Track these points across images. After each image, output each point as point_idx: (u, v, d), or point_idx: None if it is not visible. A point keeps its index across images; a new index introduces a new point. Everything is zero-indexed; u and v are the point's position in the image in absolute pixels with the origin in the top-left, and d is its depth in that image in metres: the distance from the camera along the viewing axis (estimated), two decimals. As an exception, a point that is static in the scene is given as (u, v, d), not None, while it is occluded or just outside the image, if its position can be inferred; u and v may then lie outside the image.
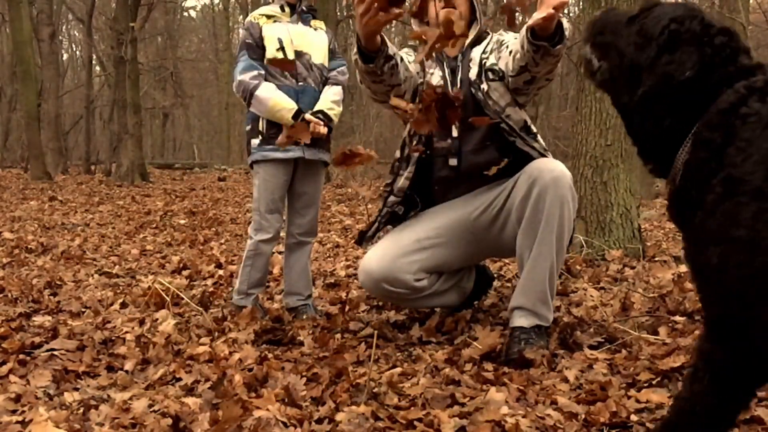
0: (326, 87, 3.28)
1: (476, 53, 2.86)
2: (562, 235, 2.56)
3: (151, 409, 2.07)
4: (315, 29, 3.33)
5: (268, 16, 3.25)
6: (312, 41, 3.28)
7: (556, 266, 2.60)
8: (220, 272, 4.46)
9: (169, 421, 1.92)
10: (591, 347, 2.52)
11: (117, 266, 4.95)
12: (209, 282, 4.22)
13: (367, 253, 2.91)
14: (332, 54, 3.37)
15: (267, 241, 3.26)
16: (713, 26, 1.42)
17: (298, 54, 3.22)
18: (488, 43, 2.88)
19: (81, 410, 2.07)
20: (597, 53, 1.58)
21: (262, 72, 3.17)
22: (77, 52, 28.97)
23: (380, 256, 2.80)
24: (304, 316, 3.21)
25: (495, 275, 3.40)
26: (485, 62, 2.82)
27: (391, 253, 2.79)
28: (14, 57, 17.50)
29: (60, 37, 23.90)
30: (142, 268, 4.91)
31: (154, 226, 7.38)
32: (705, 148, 1.33)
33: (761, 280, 1.22)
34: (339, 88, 3.31)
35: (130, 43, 13.44)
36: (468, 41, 2.89)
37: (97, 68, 21.34)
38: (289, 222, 3.38)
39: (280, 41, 3.19)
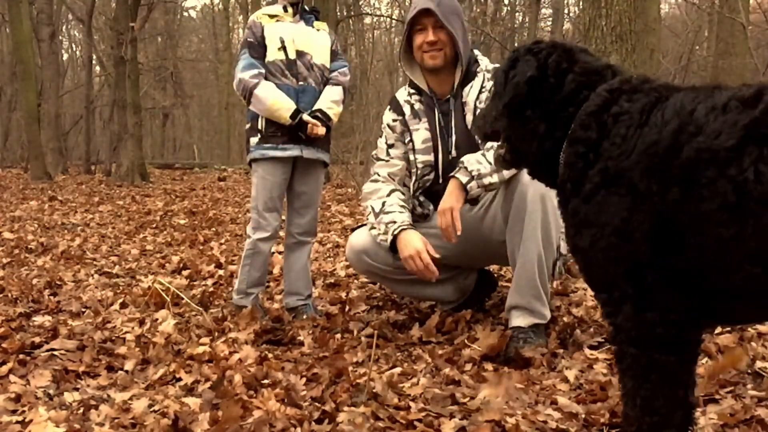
0: (327, 87, 3.30)
1: (470, 96, 2.84)
2: (548, 228, 2.57)
3: (151, 409, 2.07)
4: (317, 30, 3.35)
5: (271, 16, 3.27)
6: (314, 42, 3.30)
7: (546, 260, 2.60)
8: (220, 272, 4.46)
9: (169, 421, 1.92)
10: (591, 347, 2.52)
11: (117, 266, 4.95)
12: (209, 282, 4.22)
13: (355, 230, 3.07)
14: (334, 55, 3.38)
15: (265, 240, 3.26)
16: (541, 42, 1.68)
17: (300, 54, 3.24)
18: (481, 87, 2.84)
19: (81, 410, 2.07)
20: (502, 150, 1.74)
21: (263, 71, 3.19)
22: (77, 52, 28.93)
23: (365, 231, 2.98)
24: (304, 316, 3.21)
25: (496, 275, 3.40)
26: (479, 109, 2.77)
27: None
28: (14, 57, 17.48)
29: (60, 37, 23.87)
30: (142, 268, 4.91)
31: (154, 226, 7.38)
32: (581, 144, 1.47)
33: (625, 264, 1.38)
34: (340, 89, 3.32)
35: (130, 43, 13.41)
36: (456, 82, 2.86)
37: (97, 68, 21.31)
38: (288, 222, 3.38)
39: (282, 41, 3.20)
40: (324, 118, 3.20)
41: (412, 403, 2.04)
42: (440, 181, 2.86)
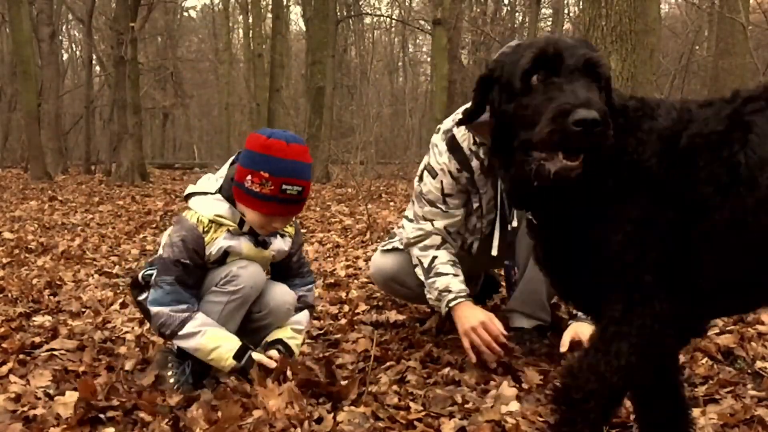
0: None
1: None
2: None
3: (151, 409, 2.06)
4: (282, 236, 2.44)
5: (218, 225, 2.29)
6: (268, 259, 2.43)
7: None
8: (220, 272, 4.45)
9: (170, 421, 1.92)
10: (591, 347, 2.52)
11: (117, 266, 4.95)
12: (209, 282, 4.21)
13: (383, 252, 2.93)
14: (299, 264, 2.52)
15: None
16: None
17: None
18: None
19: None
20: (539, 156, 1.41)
21: (192, 304, 2.27)
22: (77, 52, 28.92)
23: (393, 257, 2.85)
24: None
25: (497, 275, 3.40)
26: None
27: (403, 257, 2.79)
28: (14, 57, 17.48)
29: (60, 37, 23.84)
30: (142, 268, 4.90)
31: (154, 226, 7.38)
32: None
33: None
34: (307, 314, 2.51)
35: (130, 43, 13.40)
36: None
37: (97, 68, 21.31)
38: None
39: (225, 254, 2.32)
40: (287, 352, 2.34)
41: (412, 403, 2.05)
42: (495, 252, 2.66)
